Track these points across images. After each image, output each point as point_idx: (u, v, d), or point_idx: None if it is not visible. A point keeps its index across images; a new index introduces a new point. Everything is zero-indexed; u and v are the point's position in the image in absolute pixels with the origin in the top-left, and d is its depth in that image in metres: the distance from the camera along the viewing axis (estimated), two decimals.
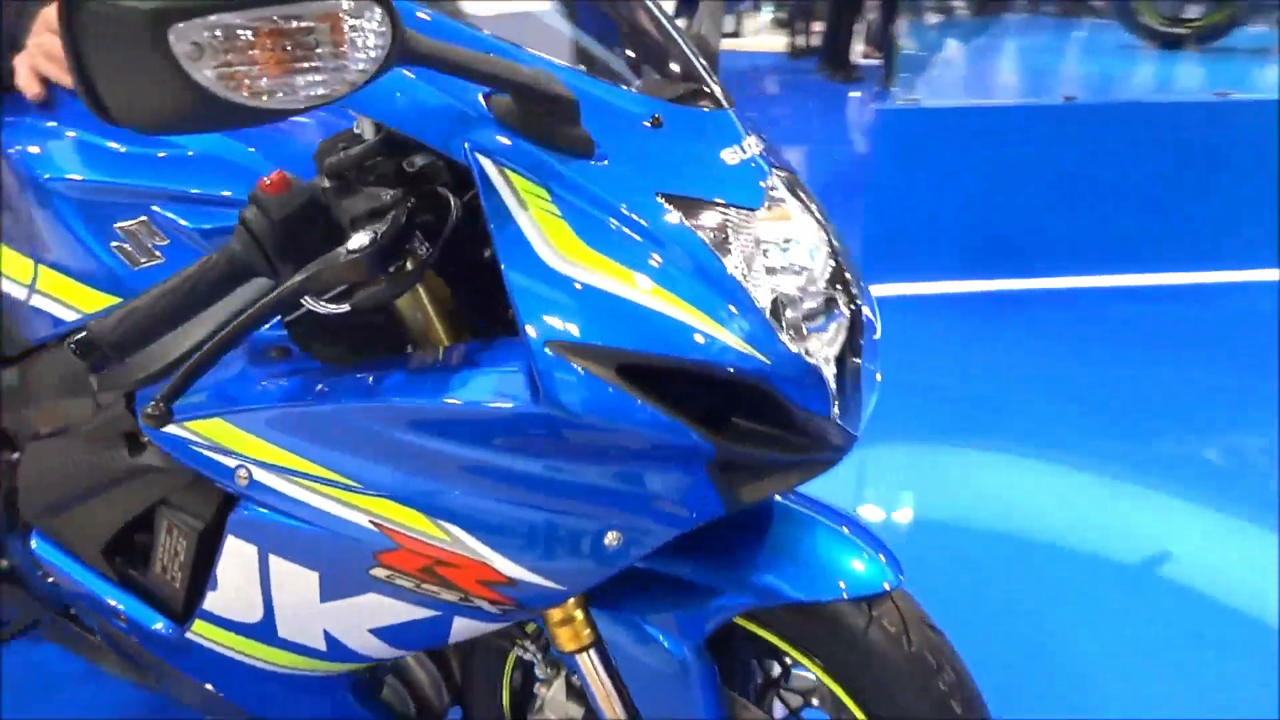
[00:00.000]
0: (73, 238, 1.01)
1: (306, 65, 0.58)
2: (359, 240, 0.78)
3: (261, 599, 0.97)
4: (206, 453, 0.93)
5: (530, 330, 0.75)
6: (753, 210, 0.85)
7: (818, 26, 8.77)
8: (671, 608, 1.02)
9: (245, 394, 0.91)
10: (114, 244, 1.01)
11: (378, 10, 0.60)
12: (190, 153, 1.02)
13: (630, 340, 0.76)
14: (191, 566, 1.05)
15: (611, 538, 0.84)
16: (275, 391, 0.89)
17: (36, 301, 1.07)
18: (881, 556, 1.03)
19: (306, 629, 0.98)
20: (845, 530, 1.05)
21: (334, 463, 0.87)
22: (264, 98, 0.58)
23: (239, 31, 0.54)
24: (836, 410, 0.88)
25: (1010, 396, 2.83)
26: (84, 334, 0.79)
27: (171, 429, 0.94)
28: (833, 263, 0.92)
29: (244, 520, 0.94)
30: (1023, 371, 2.97)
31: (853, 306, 0.94)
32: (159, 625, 1.11)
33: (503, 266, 0.76)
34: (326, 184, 0.81)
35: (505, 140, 0.78)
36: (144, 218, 1.00)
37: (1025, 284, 3.59)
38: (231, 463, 0.92)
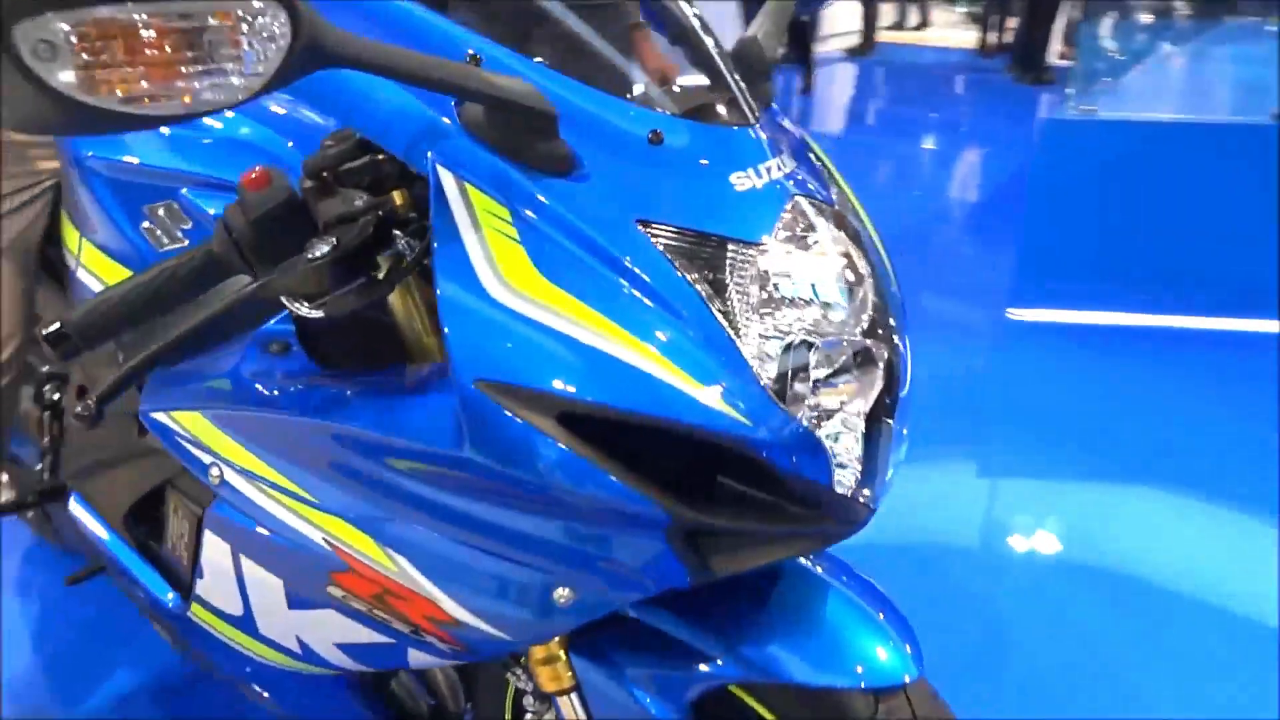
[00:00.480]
0: (106, 216, 1.03)
1: (191, 69, 0.53)
2: (318, 249, 0.74)
3: (239, 595, 0.96)
4: (187, 446, 0.92)
5: (458, 365, 0.68)
6: (756, 244, 0.74)
7: (1014, 23, 8.23)
8: (655, 665, 0.94)
9: (227, 391, 0.89)
10: (143, 225, 1.01)
11: (281, 11, 0.54)
12: (225, 139, 1.01)
13: (576, 386, 0.67)
14: (193, 549, 1.06)
15: (561, 594, 0.77)
16: (254, 393, 0.87)
17: (80, 274, 1.10)
18: (908, 646, 0.90)
19: (280, 631, 0.97)
20: (869, 607, 0.93)
21: (294, 475, 0.84)
22: (142, 103, 0.53)
23: (102, 30, 0.50)
24: (853, 479, 0.77)
25: (1166, 445, 2.54)
26: (57, 321, 0.78)
27: (160, 417, 0.94)
28: (871, 312, 0.80)
29: (218, 518, 0.93)
30: (1185, 419, 2.66)
31: (889, 359, 0.82)
32: (170, 597, 1.13)
33: (437, 291, 0.70)
34: (309, 183, 0.78)
35: (471, 152, 0.72)
36: (172, 201, 1.00)
37: (1199, 323, 3.21)
38: (207, 459, 0.90)
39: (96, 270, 1.06)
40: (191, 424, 0.91)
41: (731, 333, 0.71)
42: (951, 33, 10.32)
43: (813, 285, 0.78)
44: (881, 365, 0.82)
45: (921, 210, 4.64)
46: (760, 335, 0.73)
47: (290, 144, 1.00)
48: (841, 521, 0.80)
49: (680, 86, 0.83)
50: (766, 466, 0.73)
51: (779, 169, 0.80)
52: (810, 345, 0.75)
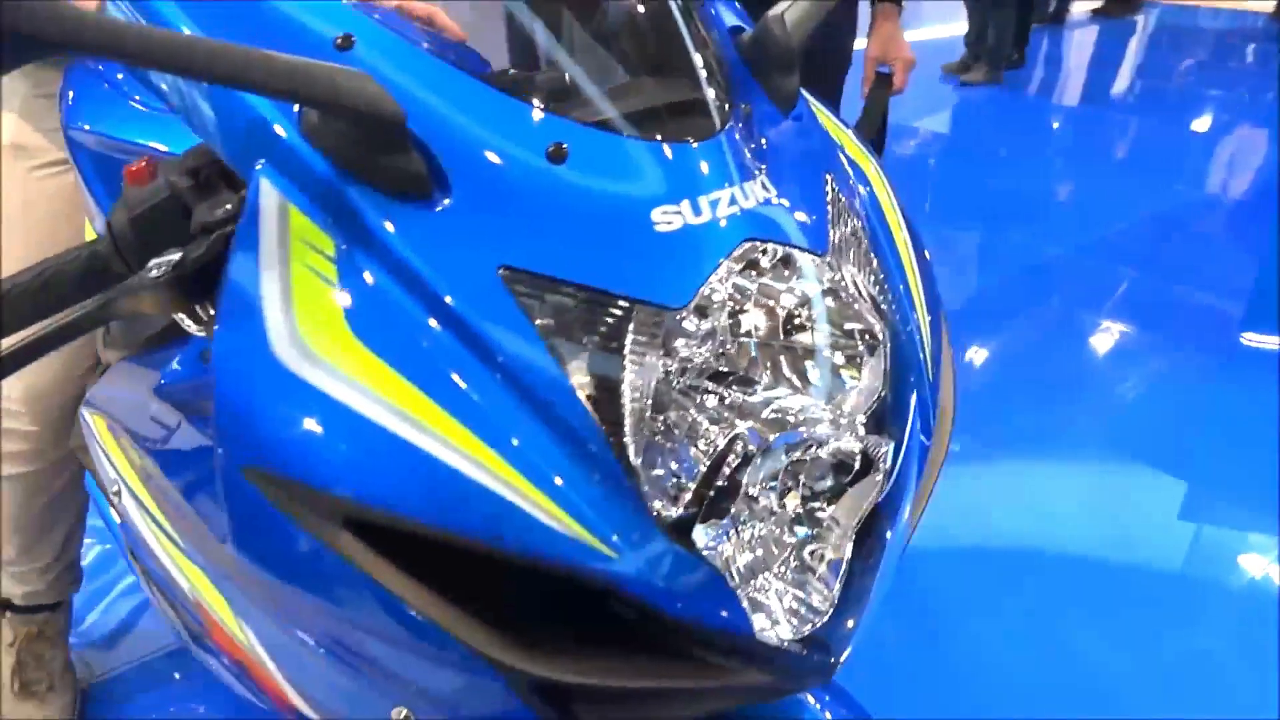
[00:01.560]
0: (90, 194, 0.97)
1: None
2: (160, 264, 0.62)
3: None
4: (100, 454, 0.84)
5: (223, 444, 0.54)
6: (670, 308, 0.55)
7: None
8: None
9: (129, 405, 0.80)
10: None
11: None
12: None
13: (372, 489, 0.51)
14: None
15: (399, 716, 0.62)
16: (142, 414, 0.77)
17: None
18: None
19: (211, 664, 0.89)
20: None
21: (168, 514, 0.74)
22: None
23: None
24: (811, 620, 0.58)
25: None
26: None
27: (88, 416, 0.87)
28: (873, 401, 0.59)
29: (127, 536, 0.85)
30: None
31: (888, 464, 0.61)
32: None
33: (215, 333, 0.55)
34: (182, 181, 0.66)
35: (304, 165, 0.56)
36: None
37: None
38: (111, 474, 0.82)
39: None
40: (101, 432, 0.83)
41: (604, 429, 0.53)
42: None
43: (768, 364, 0.58)
44: (881, 469, 0.60)
45: (1169, 202, 4.01)
46: (657, 432, 0.54)
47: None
48: (784, 676, 0.60)
49: (628, 84, 0.64)
50: (652, 610, 0.54)
51: (740, 200, 0.59)
52: (762, 448, 0.55)
